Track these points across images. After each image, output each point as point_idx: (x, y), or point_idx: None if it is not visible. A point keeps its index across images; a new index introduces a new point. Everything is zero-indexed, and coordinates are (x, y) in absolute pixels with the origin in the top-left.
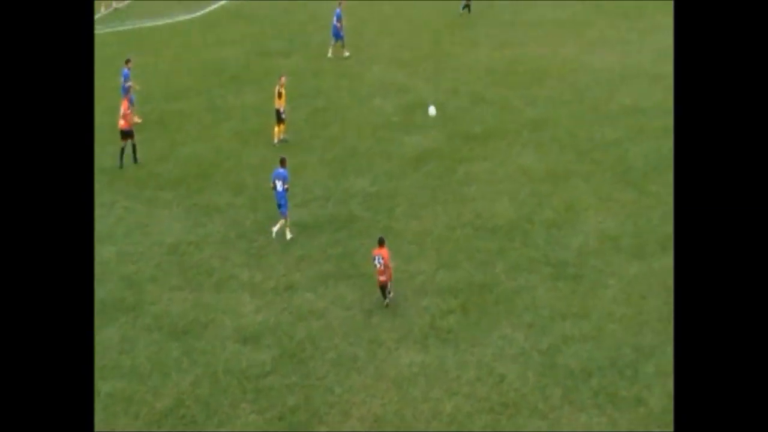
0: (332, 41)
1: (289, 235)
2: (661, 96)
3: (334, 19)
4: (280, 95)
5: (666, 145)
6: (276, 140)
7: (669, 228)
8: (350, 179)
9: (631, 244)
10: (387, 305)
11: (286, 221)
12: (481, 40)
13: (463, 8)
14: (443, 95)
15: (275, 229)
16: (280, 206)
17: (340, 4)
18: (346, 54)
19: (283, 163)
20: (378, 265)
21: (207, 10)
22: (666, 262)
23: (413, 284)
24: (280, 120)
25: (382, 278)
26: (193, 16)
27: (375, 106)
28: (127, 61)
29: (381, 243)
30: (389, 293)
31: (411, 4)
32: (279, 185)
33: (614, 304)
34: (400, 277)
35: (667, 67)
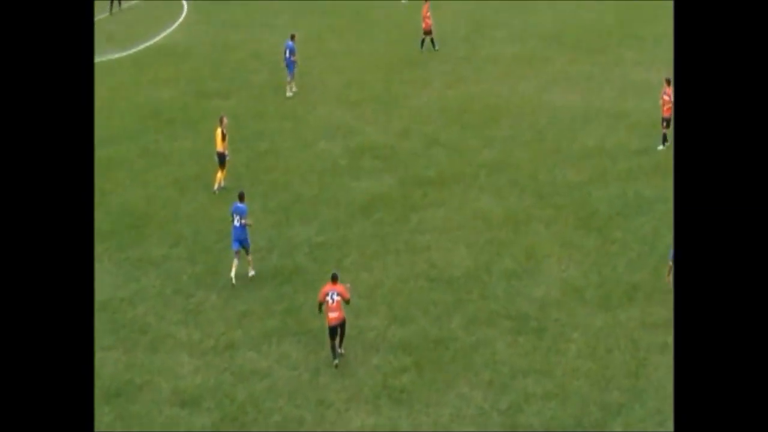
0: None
1: (251, 272)
2: (625, 136)
3: (287, 52)
4: (224, 137)
5: (631, 188)
6: (216, 186)
7: (635, 276)
8: (295, 228)
9: (595, 295)
10: (336, 366)
11: (249, 259)
12: (433, 78)
13: (423, 45)
14: (394, 137)
15: (233, 274)
16: (239, 242)
17: (292, 37)
18: (289, 94)
19: (241, 197)
20: (331, 302)
21: (140, 47)
22: (632, 313)
23: (364, 340)
24: (222, 164)
25: (334, 315)
26: (125, 54)
27: (321, 150)
28: None
29: (334, 279)
30: (340, 348)
31: (360, 40)
32: (236, 220)
33: (579, 359)
34: (350, 333)
35: (630, 104)
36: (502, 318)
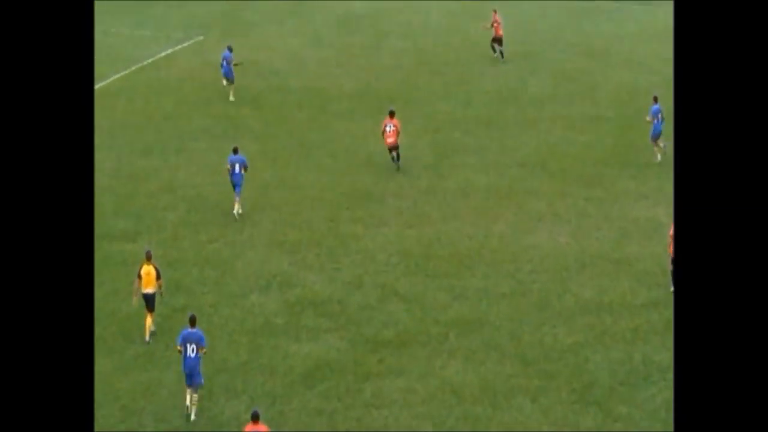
0: (226, 82)
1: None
2: (629, 287)
3: (224, 62)
4: (158, 274)
5: (638, 351)
6: (148, 337)
7: None
8: (219, 404)
9: None
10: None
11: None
12: (389, 216)
13: (397, 160)
14: (342, 289)
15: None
16: (190, 376)
17: (230, 48)
18: (232, 99)
19: (192, 321)
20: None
21: None
22: None
23: None
24: (152, 308)
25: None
26: None
27: (252, 305)
28: None
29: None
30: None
31: (299, 169)
32: (190, 349)
33: None
34: None
35: (634, 248)
36: None
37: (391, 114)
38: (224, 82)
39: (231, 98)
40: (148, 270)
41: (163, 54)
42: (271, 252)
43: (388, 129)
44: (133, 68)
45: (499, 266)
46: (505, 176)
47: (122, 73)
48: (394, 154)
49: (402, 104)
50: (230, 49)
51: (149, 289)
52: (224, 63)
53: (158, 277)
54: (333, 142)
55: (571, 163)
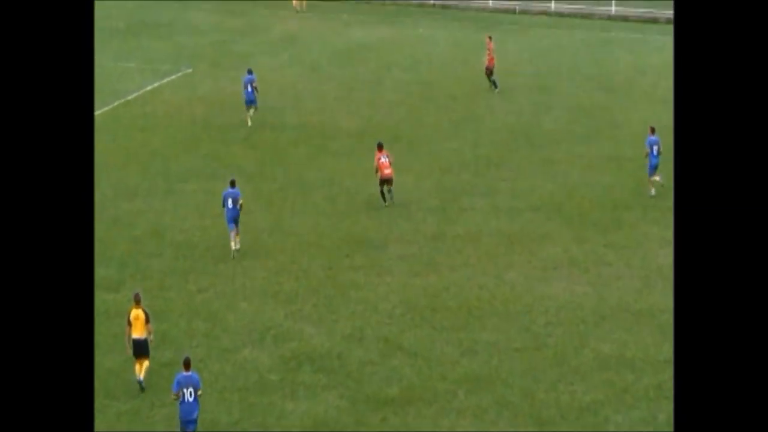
0: (251, 109)
1: None
2: (651, 341)
3: (248, 86)
4: (147, 318)
5: (662, 411)
6: (141, 376)
7: None
8: None
9: None
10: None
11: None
12: (394, 263)
13: (388, 198)
14: (341, 342)
15: None
16: (188, 423)
17: (251, 71)
18: (250, 124)
19: (187, 365)
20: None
21: None
22: None
23: None
24: (144, 354)
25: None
26: None
27: (244, 360)
28: None
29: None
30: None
31: (295, 212)
32: (188, 393)
33: None
34: None
35: (658, 299)
36: None
37: (380, 147)
38: (250, 110)
39: (249, 123)
40: (137, 314)
41: (148, 88)
42: (265, 302)
43: (383, 160)
44: (117, 103)
45: (511, 318)
46: (518, 221)
47: (105, 109)
48: (389, 188)
49: (406, 142)
50: (251, 72)
51: (139, 335)
52: (248, 87)
53: (147, 321)
54: (332, 183)
55: (590, 206)
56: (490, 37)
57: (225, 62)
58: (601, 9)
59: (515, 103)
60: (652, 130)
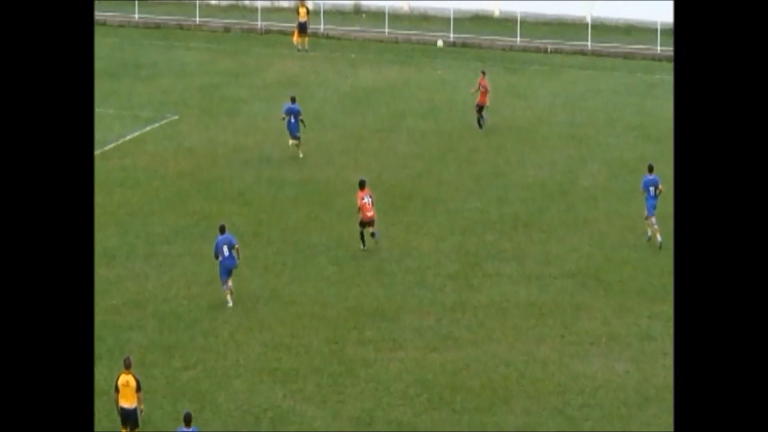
0: (296, 140)
1: None
2: None
3: (291, 116)
4: (138, 386)
5: None
6: None
7: None
8: None
9: None
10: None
11: None
12: (408, 337)
13: (373, 238)
14: (348, 426)
15: None
16: None
17: (293, 100)
18: (301, 155)
19: (188, 421)
20: (368, 203)
21: None
22: None
23: None
24: (133, 426)
25: (371, 213)
26: None
27: None
28: None
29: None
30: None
31: (294, 277)
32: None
33: None
34: None
35: None
36: None
37: (362, 185)
38: (291, 141)
39: (300, 155)
40: (126, 380)
41: (128, 137)
42: (261, 381)
43: (366, 200)
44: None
45: (542, 400)
46: (550, 289)
47: None
48: (371, 230)
49: (422, 200)
50: (294, 101)
51: (128, 404)
52: (292, 118)
53: (138, 388)
54: (337, 246)
55: (632, 272)
56: (483, 72)
57: (215, 109)
58: (644, 48)
59: (546, 156)
60: (650, 169)
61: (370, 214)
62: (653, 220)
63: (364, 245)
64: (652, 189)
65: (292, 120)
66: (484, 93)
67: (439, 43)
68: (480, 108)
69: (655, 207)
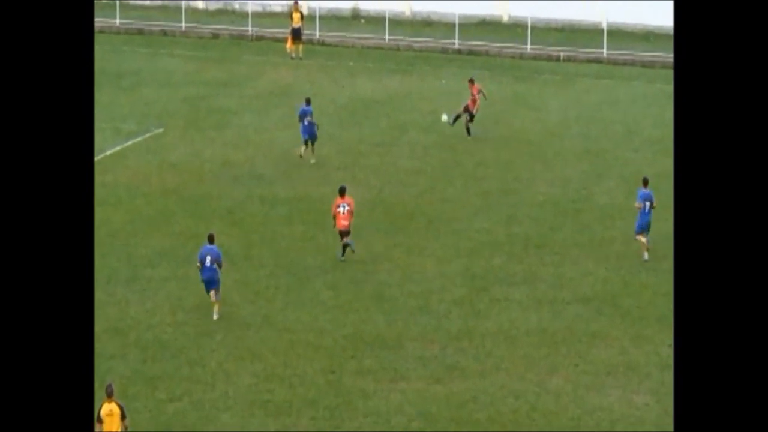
0: (308, 145)
1: None
2: None
3: (306, 119)
4: (123, 415)
5: None
6: None
7: None
8: None
9: None
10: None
11: None
12: (409, 367)
13: (352, 247)
14: None
15: None
16: None
17: (308, 102)
18: (313, 161)
19: None
20: (343, 212)
21: None
22: None
23: None
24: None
25: (345, 223)
26: None
27: None
28: None
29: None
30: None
31: (287, 305)
32: None
33: None
34: None
35: None
36: None
37: (342, 192)
38: (304, 147)
39: (312, 161)
40: (110, 409)
41: (109, 152)
42: (252, 414)
43: (341, 210)
44: None
45: None
46: (563, 316)
47: None
48: (345, 241)
49: (424, 220)
50: (309, 103)
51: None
52: (305, 120)
53: (123, 416)
54: (334, 268)
55: (651, 298)
56: (471, 81)
57: (202, 121)
58: (664, 56)
59: (559, 172)
60: (645, 183)
61: (345, 223)
62: (643, 238)
63: (343, 256)
64: (647, 204)
65: (305, 123)
66: (474, 101)
67: (444, 118)
68: (470, 115)
69: (648, 223)
